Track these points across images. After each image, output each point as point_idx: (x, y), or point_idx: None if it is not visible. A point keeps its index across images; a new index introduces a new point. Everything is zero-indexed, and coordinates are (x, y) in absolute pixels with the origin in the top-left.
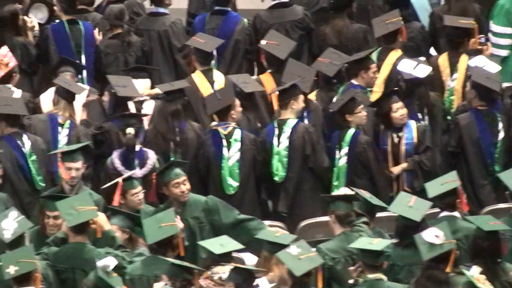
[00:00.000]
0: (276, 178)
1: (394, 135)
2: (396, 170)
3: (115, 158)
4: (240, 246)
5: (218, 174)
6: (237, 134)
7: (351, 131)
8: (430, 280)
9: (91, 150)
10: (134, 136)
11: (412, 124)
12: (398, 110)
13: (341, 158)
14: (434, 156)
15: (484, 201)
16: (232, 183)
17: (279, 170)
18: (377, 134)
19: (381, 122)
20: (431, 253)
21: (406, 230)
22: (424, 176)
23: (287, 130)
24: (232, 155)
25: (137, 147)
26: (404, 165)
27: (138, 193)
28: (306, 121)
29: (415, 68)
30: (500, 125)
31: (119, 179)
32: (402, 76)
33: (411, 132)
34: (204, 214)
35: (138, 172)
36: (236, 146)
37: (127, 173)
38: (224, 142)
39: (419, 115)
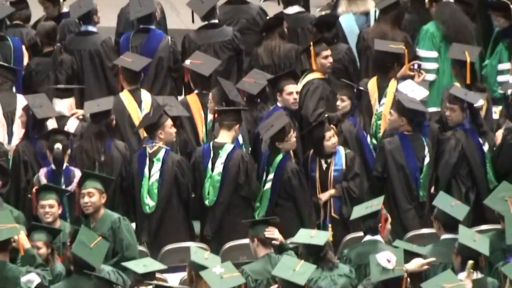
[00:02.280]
0: (206, 202)
1: (323, 162)
2: (324, 196)
3: (41, 175)
4: (163, 266)
5: (138, 192)
6: (161, 153)
7: (279, 158)
8: None
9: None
10: (62, 152)
11: (341, 150)
12: (331, 138)
13: (267, 183)
14: (362, 183)
15: (408, 225)
16: (149, 202)
17: (210, 194)
18: (306, 160)
19: (311, 149)
20: (382, 276)
21: (311, 254)
22: (352, 203)
23: (223, 155)
24: (152, 174)
25: (64, 165)
26: (332, 191)
27: (46, 205)
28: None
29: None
30: (426, 149)
31: (34, 189)
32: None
33: (340, 158)
34: (110, 232)
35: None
36: (157, 165)
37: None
38: (148, 161)
39: None
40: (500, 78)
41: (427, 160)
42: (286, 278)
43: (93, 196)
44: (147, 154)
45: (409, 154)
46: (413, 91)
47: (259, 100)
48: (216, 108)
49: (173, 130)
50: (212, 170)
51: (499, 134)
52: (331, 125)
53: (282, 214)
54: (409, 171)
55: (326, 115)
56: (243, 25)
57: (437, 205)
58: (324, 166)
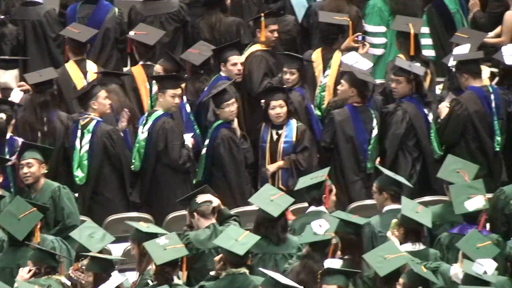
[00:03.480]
0: (132, 167)
1: (274, 132)
2: (272, 167)
3: None
4: (111, 238)
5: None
6: (92, 125)
7: (215, 125)
8: (305, 269)
9: None
10: (5, 122)
11: (293, 123)
12: (275, 108)
13: (204, 148)
14: (311, 157)
15: (354, 196)
16: (79, 174)
17: (136, 159)
18: (259, 130)
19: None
20: (310, 238)
21: (263, 222)
22: (299, 176)
23: (150, 122)
24: (83, 145)
25: (8, 135)
26: (280, 163)
27: None
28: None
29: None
30: (375, 121)
31: None
32: None
33: (291, 130)
34: (51, 201)
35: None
36: (87, 137)
37: None
38: (79, 133)
39: None
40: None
41: (375, 132)
42: (226, 248)
43: (32, 166)
44: (79, 126)
45: (359, 125)
46: (357, 62)
47: (202, 71)
48: (152, 76)
49: (107, 101)
50: (141, 136)
51: (443, 106)
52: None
53: (215, 184)
54: (358, 142)
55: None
56: None
57: (389, 174)
58: (275, 137)
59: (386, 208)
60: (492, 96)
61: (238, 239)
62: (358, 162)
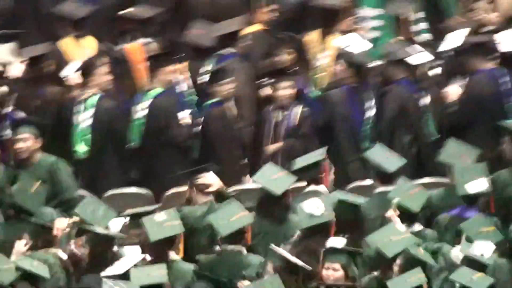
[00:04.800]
0: (132, 144)
1: (280, 113)
2: (270, 149)
3: None
4: (114, 214)
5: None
6: (94, 99)
7: (208, 103)
8: (306, 250)
9: None
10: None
11: (298, 107)
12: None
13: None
14: (309, 144)
15: (352, 177)
16: (80, 149)
17: (135, 137)
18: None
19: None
20: (308, 222)
21: (266, 201)
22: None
23: (148, 99)
24: (85, 120)
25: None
26: (279, 145)
27: None
28: None
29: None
30: (371, 102)
31: None
32: None
33: (294, 114)
34: (48, 175)
35: None
36: (90, 111)
37: None
38: (82, 107)
39: None
40: None
41: (372, 112)
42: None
43: (26, 141)
44: (81, 101)
45: (355, 106)
46: (354, 44)
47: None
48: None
49: (108, 76)
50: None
51: (453, 89)
52: None
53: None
54: (354, 122)
55: None
56: None
57: (369, 157)
58: (280, 118)
59: (376, 190)
60: (504, 79)
61: (231, 219)
62: (355, 142)
